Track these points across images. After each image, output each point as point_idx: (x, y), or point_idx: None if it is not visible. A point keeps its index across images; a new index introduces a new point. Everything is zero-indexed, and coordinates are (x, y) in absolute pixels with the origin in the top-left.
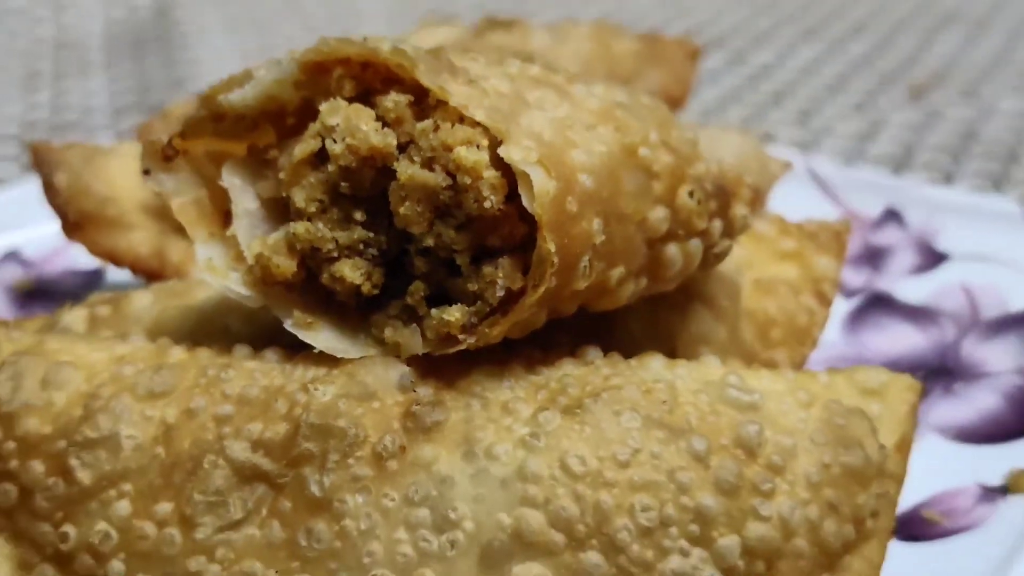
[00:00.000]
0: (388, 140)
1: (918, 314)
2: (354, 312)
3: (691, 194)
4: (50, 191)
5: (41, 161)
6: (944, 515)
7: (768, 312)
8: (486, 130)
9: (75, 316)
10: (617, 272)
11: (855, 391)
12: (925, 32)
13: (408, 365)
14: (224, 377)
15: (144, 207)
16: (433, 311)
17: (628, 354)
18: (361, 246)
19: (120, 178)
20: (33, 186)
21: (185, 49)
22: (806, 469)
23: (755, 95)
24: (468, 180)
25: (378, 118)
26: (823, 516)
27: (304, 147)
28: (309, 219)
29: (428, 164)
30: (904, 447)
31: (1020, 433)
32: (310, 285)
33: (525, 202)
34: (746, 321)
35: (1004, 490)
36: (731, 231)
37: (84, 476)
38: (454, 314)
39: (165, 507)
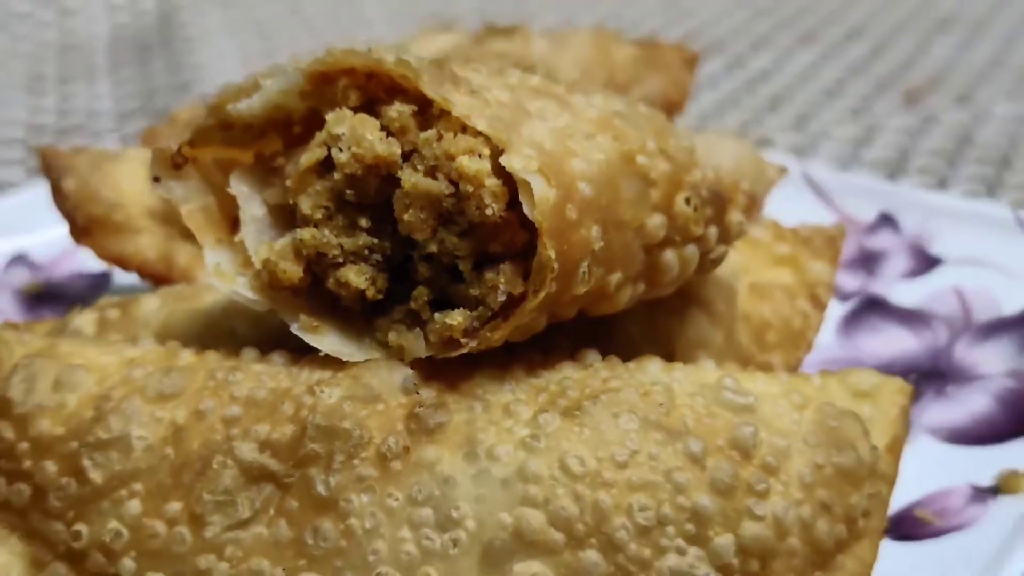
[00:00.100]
0: (392, 149)
1: (912, 317)
2: (359, 316)
3: (688, 201)
4: (59, 196)
5: (49, 166)
6: (936, 515)
7: (763, 316)
8: (488, 139)
9: (85, 319)
10: (615, 277)
11: (847, 393)
12: (920, 37)
13: (411, 368)
14: (232, 380)
15: (151, 212)
16: (436, 315)
17: (626, 357)
18: (366, 252)
19: (127, 183)
20: (41, 190)
21: (190, 53)
22: (800, 470)
23: (753, 100)
24: (470, 188)
25: (383, 127)
26: (816, 516)
27: (310, 155)
28: (315, 225)
29: (431, 173)
30: (895, 448)
31: (1011, 435)
32: (316, 290)
33: (526, 210)
34: (742, 325)
35: (995, 490)
36: (727, 237)
37: (96, 476)
38: (456, 318)
39: (175, 506)
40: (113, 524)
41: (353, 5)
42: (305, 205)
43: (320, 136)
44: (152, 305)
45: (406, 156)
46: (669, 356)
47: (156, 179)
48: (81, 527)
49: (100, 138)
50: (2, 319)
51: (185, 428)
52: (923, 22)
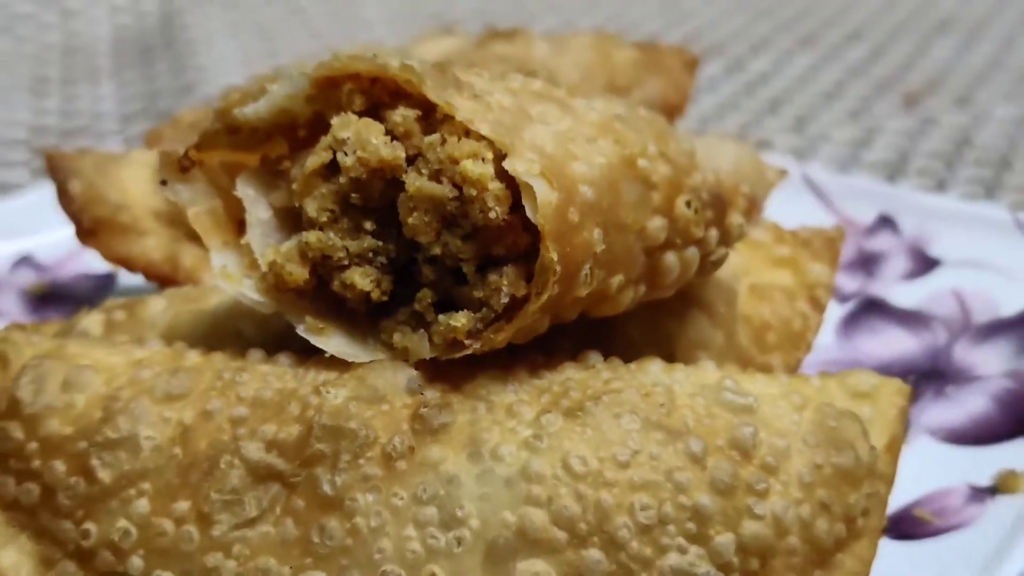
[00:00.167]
0: (397, 153)
1: (911, 319)
2: (364, 318)
3: (688, 204)
4: (64, 198)
5: (55, 168)
6: (935, 514)
7: (763, 317)
8: (491, 143)
9: (92, 320)
10: (617, 280)
11: (846, 394)
12: (919, 40)
13: (416, 369)
14: (239, 380)
15: (156, 214)
16: (440, 317)
17: (628, 358)
18: (371, 254)
19: (133, 185)
20: (46, 191)
21: (192, 55)
22: (799, 469)
23: (752, 102)
24: (474, 192)
25: (387, 132)
26: (815, 515)
27: (316, 159)
28: (321, 228)
29: (435, 176)
30: (894, 448)
31: (1009, 435)
32: (321, 292)
33: (528, 213)
34: (742, 326)
35: (993, 490)
36: (727, 239)
37: (105, 475)
38: (460, 320)
39: (183, 505)
40: (122, 523)
41: (353, 7)
42: (310, 208)
43: (325, 140)
44: (158, 306)
45: (410, 160)
46: (670, 357)
47: (163, 182)
48: (90, 526)
49: (104, 140)
50: (8, 320)
51: (193, 428)
52: (922, 24)
